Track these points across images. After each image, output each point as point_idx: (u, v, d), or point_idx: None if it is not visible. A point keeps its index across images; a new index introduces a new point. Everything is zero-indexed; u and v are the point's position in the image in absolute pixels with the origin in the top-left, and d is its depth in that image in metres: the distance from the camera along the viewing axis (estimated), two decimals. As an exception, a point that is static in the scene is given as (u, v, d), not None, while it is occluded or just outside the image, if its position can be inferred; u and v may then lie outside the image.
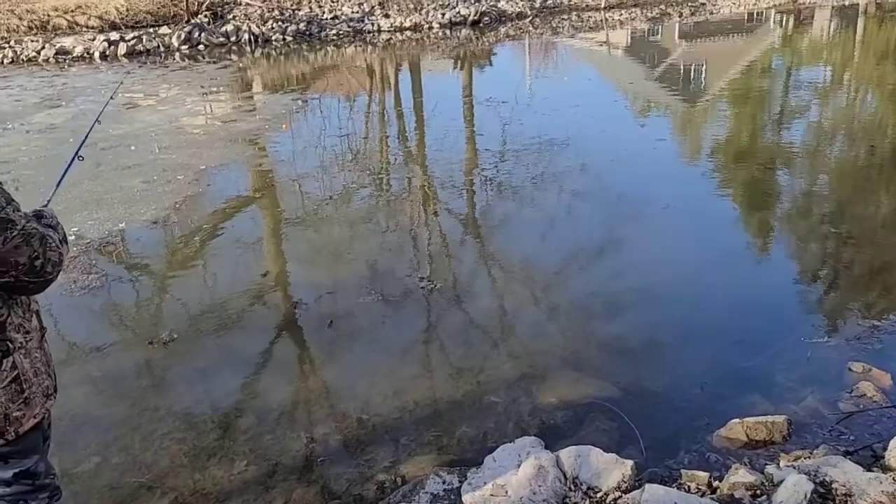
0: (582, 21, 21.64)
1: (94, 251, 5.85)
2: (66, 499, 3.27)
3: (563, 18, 22.11)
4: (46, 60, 16.39)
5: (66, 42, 16.89)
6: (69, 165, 2.91)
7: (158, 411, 3.86)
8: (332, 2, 20.44)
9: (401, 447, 3.47)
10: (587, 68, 15.53)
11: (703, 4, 23.96)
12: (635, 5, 23.77)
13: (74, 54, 16.68)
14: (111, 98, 3.77)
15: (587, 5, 23.48)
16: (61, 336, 4.65)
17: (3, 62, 16.26)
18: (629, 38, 19.11)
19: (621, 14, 22.59)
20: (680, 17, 21.78)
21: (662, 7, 23.55)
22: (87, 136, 3.29)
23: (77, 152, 3.04)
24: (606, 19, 21.80)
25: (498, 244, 6.04)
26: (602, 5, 23.39)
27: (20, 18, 17.46)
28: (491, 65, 15.87)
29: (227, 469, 3.40)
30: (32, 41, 16.90)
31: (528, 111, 10.57)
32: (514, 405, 3.74)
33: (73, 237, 6.04)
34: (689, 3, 24.06)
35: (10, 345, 2.08)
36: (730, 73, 13.51)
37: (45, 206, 2.39)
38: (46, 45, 16.71)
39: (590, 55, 16.57)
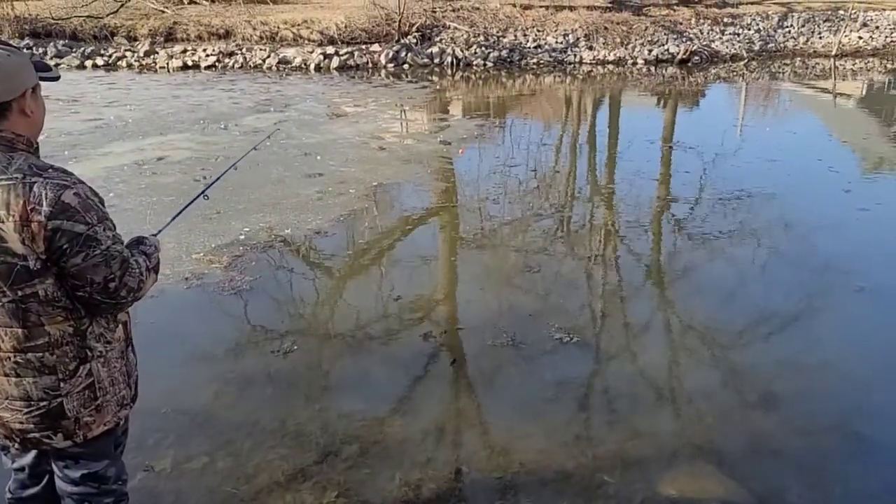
0: (807, 68, 19.91)
1: (256, 253, 6.12)
2: (168, 492, 3.41)
3: (784, 63, 20.49)
4: (269, 68, 17.97)
5: (289, 53, 18.44)
6: (191, 202, 2.99)
7: (272, 422, 3.89)
8: (538, 31, 20.51)
9: (492, 512, 3.21)
10: (807, 119, 14.19)
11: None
12: (873, 55, 21.45)
13: (293, 64, 18.14)
14: (254, 148, 3.94)
15: (815, 51, 21.58)
16: (201, 331, 4.89)
17: (234, 66, 18.06)
18: (864, 89, 17.24)
19: (855, 63, 20.49)
20: (934, 68, 19.30)
21: (909, 57, 21.05)
22: (218, 178, 3.42)
23: (204, 192, 3.14)
24: (837, 67, 19.87)
25: (673, 297, 5.56)
26: (833, 52, 21.37)
27: (254, 29, 19.38)
28: (698, 106, 15.02)
29: (318, 496, 3.33)
30: (261, 50, 18.63)
31: (733, 158, 9.79)
32: (627, 489, 3.34)
33: (242, 236, 6.40)
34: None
35: (88, 353, 2.14)
36: None
37: (156, 234, 2.45)
38: (272, 55, 18.34)
39: (811, 104, 15.14)
